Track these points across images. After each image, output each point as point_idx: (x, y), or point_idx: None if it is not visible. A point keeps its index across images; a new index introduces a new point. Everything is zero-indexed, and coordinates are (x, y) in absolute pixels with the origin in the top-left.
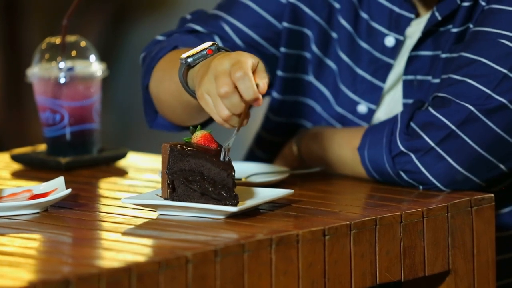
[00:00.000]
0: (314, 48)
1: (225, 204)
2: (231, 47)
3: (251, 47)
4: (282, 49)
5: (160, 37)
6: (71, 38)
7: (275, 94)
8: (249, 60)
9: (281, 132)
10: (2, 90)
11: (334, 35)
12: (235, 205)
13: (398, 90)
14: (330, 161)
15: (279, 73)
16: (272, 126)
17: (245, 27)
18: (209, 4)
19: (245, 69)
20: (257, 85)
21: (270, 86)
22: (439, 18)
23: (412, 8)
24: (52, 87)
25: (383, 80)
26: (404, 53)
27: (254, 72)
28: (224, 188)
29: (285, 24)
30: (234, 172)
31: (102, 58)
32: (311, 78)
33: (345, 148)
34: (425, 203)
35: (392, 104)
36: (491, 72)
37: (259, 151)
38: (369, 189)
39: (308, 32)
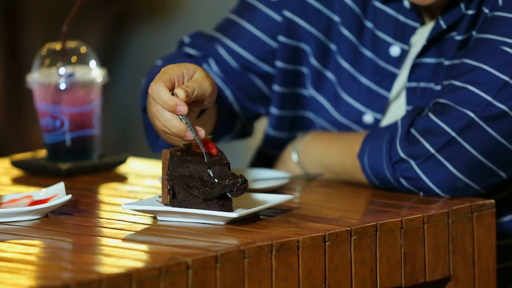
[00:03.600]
0: (313, 61)
1: (223, 210)
2: (225, 69)
3: (245, 68)
4: (279, 64)
5: (158, 62)
6: (71, 44)
7: (273, 110)
8: (160, 89)
9: (282, 147)
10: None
11: (333, 47)
12: (231, 210)
13: (403, 98)
14: (330, 167)
15: (276, 88)
16: (273, 141)
17: (240, 49)
18: (208, 12)
19: (157, 105)
20: (176, 94)
21: (267, 103)
22: (444, 26)
23: (417, 16)
24: (52, 93)
25: (388, 89)
26: (408, 62)
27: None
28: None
29: (281, 39)
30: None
31: (102, 63)
32: (309, 91)
33: (345, 154)
34: (425, 209)
35: (397, 113)
36: (492, 79)
37: (260, 164)
38: (369, 195)
39: (305, 46)
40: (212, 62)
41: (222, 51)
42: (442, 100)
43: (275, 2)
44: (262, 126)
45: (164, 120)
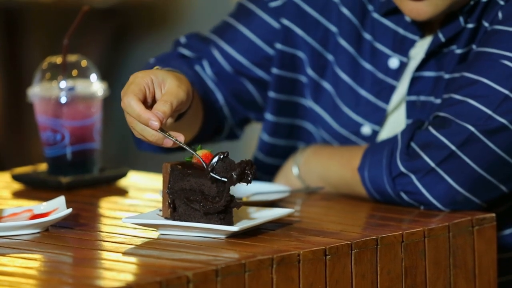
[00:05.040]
0: (309, 71)
1: (223, 223)
2: (218, 71)
3: (239, 72)
4: (275, 70)
5: (151, 60)
6: (72, 58)
7: (269, 116)
8: (132, 103)
9: (277, 155)
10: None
11: (330, 57)
12: (232, 223)
13: (402, 111)
14: (330, 180)
15: (272, 94)
16: (268, 148)
17: (235, 52)
18: (209, 25)
19: (128, 117)
20: (162, 111)
21: (258, 108)
22: (443, 40)
23: (417, 29)
24: (53, 106)
25: (387, 101)
26: (407, 74)
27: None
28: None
29: (278, 46)
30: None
31: (103, 77)
32: (308, 102)
33: (345, 168)
34: (426, 222)
35: (396, 125)
36: (492, 92)
37: (257, 172)
38: (370, 209)
39: (301, 54)
40: (205, 63)
41: (216, 54)
42: (442, 114)
43: (273, 8)
44: (256, 132)
45: (141, 130)
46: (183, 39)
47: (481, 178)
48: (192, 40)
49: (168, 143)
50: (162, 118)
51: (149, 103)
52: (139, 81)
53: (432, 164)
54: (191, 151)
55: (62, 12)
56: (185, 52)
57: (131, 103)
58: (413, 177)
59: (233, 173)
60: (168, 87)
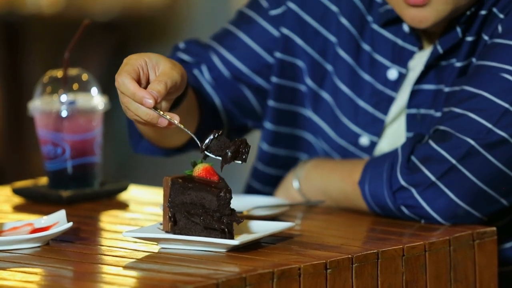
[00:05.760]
0: (308, 81)
1: (226, 236)
2: (216, 77)
3: (237, 78)
4: (274, 79)
5: None
6: (72, 71)
7: (268, 125)
8: (126, 81)
9: (277, 164)
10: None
11: (329, 67)
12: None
13: (401, 123)
14: (331, 194)
15: (271, 103)
16: (268, 157)
17: (234, 59)
18: (207, 37)
19: (123, 97)
20: (156, 90)
21: (256, 117)
22: (441, 51)
23: (416, 41)
24: (53, 120)
25: (385, 112)
26: (406, 86)
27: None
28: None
29: (278, 54)
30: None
31: (103, 90)
32: (308, 112)
33: (345, 181)
34: (426, 236)
35: (395, 137)
36: (492, 106)
37: (256, 183)
38: (370, 222)
39: (300, 63)
40: (204, 68)
41: (215, 59)
42: (442, 127)
43: (273, 17)
44: (257, 141)
45: (135, 109)
46: (182, 45)
47: (481, 192)
48: (191, 45)
49: (163, 122)
50: (156, 96)
51: (143, 84)
52: (133, 62)
53: (433, 178)
54: (186, 131)
55: (63, 26)
56: (184, 56)
57: (125, 82)
58: (413, 191)
59: (227, 151)
60: (162, 68)
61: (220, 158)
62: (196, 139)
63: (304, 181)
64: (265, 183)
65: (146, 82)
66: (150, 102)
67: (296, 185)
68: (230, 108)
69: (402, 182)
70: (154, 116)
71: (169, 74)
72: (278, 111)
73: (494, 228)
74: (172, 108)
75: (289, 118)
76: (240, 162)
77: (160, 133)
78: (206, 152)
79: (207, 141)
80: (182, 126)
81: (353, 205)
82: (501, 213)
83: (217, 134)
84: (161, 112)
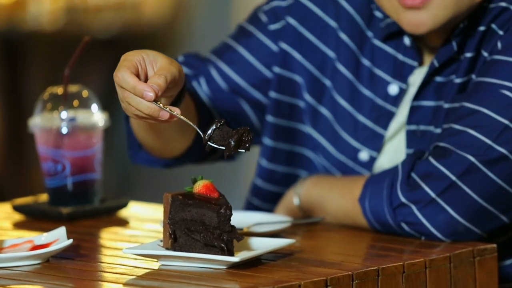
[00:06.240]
0: (307, 96)
1: (226, 254)
2: (214, 89)
3: (235, 92)
4: (272, 94)
5: None
6: (73, 88)
7: (267, 141)
8: (126, 76)
9: (276, 181)
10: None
11: (327, 82)
12: (232, 254)
13: (401, 138)
14: (331, 211)
15: (270, 118)
16: (267, 174)
17: (232, 73)
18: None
19: (125, 91)
20: (157, 83)
21: (255, 131)
22: (436, 65)
23: (416, 55)
24: (53, 137)
25: (385, 127)
26: (406, 101)
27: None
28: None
29: (276, 69)
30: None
31: (104, 107)
32: (307, 128)
33: (346, 198)
34: (427, 253)
35: (395, 153)
36: (492, 122)
37: (256, 200)
38: (371, 239)
39: (299, 78)
40: (202, 80)
41: (213, 72)
42: (442, 144)
43: (272, 31)
44: (254, 157)
45: (136, 104)
46: (181, 58)
47: (481, 209)
48: (190, 58)
49: (165, 115)
50: (157, 90)
51: (141, 80)
52: (131, 58)
53: (433, 195)
54: (188, 121)
55: (63, 43)
56: (184, 69)
57: (124, 76)
58: (413, 207)
59: (231, 140)
60: (160, 64)
61: (224, 148)
62: (198, 130)
63: (304, 198)
64: (264, 199)
65: (144, 77)
66: (151, 95)
67: (296, 201)
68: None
69: (402, 199)
70: (155, 109)
71: (167, 69)
72: (277, 127)
73: (495, 245)
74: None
75: (288, 134)
76: (243, 150)
77: (159, 137)
78: (209, 142)
79: (209, 131)
80: (183, 118)
81: (353, 221)
82: (501, 229)
83: (219, 124)
84: (162, 105)
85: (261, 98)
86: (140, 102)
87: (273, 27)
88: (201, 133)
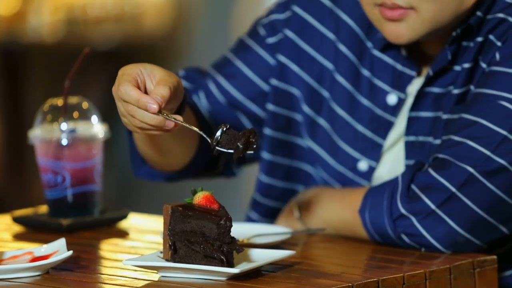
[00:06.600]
0: (305, 108)
1: (226, 265)
2: (213, 103)
3: (234, 106)
4: (270, 106)
5: None
6: (73, 100)
7: (265, 155)
8: (128, 89)
9: (274, 196)
10: (3, 152)
11: (325, 94)
12: (233, 266)
13: (400, 149)
14: (331, 222)
15: (268, 131)
16: (266, 188)
17: (230, 86)
18: (206, 64)
19: (129, 105)
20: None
21: (257, 149)
22: (431, 74)
23: (414, 65)
24: (53, 148)
25: (384, 137)
26: (405, 111)
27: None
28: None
29: (273, 81)
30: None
31: (104, 119)
32: (305, 141)
33: (346, 210)
34: (427, 264)
35: (394, 163)
36: (491, 133)
37: (255, 214)
38: (371, 250)
39: (296, 91)
40: (201, 94)
41: (212, 86)
42: (441, 156)
43: (270, 44)
44: (254, 172)
45: (141, 116)
46: (181, 72)
47: (481, 220)
48: (191, 72)
49: (170, 124)
50: (160, 101)
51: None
52: (130, 71)
53: (433, 206)
54: (192, 127)
55: (63, 55)
56: (184, 83)
57: (127, 90)
58: (413, 219)
59: (238, 144)
60: (159, 76)
61: (232, 151)
62: (205, 136)
63: (305, 210)
64: (263, 214)
65: (143, 90)
66: (155, 107)
67: (296, 214)
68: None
69: (402, 210)
70: (161, 120)
71: (168, 80)
72: (274, 140)
73: (495, 257)
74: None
75: (285, 148)
76: (252, 152)
77: (160, 150)
78: (217, 147)
79: (217, 135)
80: (186, 124)
81: (354, 233)
82: (501, 241)
83: (225, 128)
84: (167, 115)
85: (259, 112)
86: (145, 115)
87: (271, 40)
88: (207, 139)
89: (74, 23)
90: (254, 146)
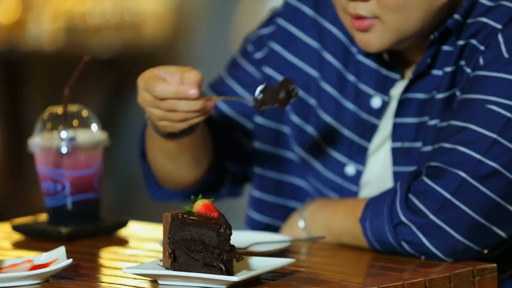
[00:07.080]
0: (294, 118)
1: (225, 274)
2: (208, 119)
3: (229, 125)
4: (258, 119)
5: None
6: (73, 108)
7: (256, 169)
8: (162, 85)
9: (264, 211)
10: (3, 160)
11: (312, 101)
12: (233, 274)
13: (385, 153)
14: (334, 231)
15: (257, 144)
16: (258, 204)
17: (224, 105)
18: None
19: (169, 101)
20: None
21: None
22: (412, 77)
23: (398, 70)
24: (53, 156)
25: (369, 140)
26: (389, 115)
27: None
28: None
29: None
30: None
31: (103, 126)
32: (295, 151)
33: (348, 218)
34: (427, 272)
35: (381, 169)
36: (481, 138)
37: (250, 229)
38: (371, 258)
39: None
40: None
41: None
42: (434, 164)
43: (257, 60)
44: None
45: (185, 105)
46: None
47: (478, 225)
48: None
49: (211, 104)
50: (197, 85)
51: None
52: (151, 75)
53: (430, 215)
54: (229, 98)
55: (63, 63)
56: None
57: (162, 87)
58: (413, 227)
59: (279, 95)
60: (176, 68)
61: (277, 105)
62: (246, 98)
63: (309, 220)
64: (256, 230)
65: None
66: (194, 91)
67: (301, 224)
68: (226, 155)
69: (402, 218)
70: (202, 102)
71: (191, 67)
72: (263, 154)
73: (495, 265)
74: (189, 131)
75: (274, 161)
76: (295, 99)
77: (174, 163)
78: (263, 107)
79: (256, 94)
80: (223, 97)
81: (355, 242)
82: (501, 245)
83: (262, 87)
84: (204, 96)
85: (250, 126)
86: (188, 104)
87: (258, 55)
88: (249, 102)
89: (74, 31)
90: (294, 92)
